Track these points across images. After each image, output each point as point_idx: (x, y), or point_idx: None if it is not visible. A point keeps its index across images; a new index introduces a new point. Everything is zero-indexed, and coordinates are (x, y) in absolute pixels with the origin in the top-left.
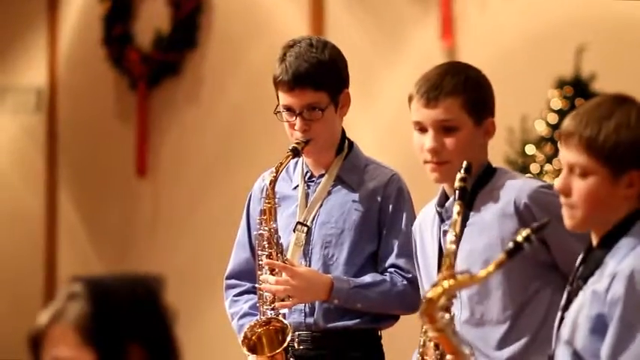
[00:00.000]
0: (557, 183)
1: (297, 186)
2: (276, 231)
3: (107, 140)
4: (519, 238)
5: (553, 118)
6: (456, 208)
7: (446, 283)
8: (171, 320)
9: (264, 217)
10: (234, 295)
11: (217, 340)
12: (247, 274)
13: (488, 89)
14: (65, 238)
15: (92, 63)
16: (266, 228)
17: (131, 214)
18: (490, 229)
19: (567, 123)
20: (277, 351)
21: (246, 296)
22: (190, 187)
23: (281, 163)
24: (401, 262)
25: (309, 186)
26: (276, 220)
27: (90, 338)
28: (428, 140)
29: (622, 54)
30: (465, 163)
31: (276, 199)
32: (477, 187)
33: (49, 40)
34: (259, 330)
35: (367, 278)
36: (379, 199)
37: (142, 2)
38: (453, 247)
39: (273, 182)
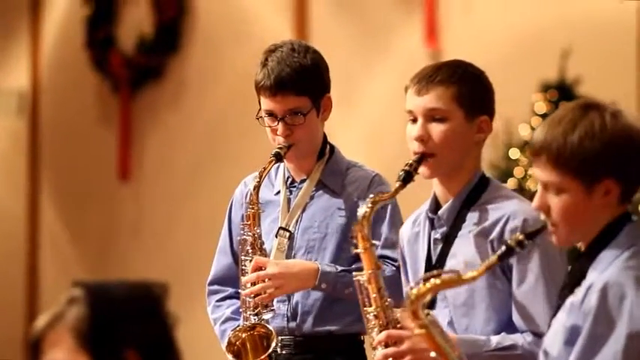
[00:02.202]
0: (535, 202)
1: (279, 191)
2: (260, 236)
3: (89, 144)
4: (511, 242)
5: (537, 122)
6: (397, 184)
7: (433, 281)
8: (171, 328)
9: (248, 223)
10: (217, 301)
11: (200, 345)
12: (229, 279)
13: (486, 87)
14: (47, 242)
15: (75, 66)
16: (250, 233)
17: (113, 218)
18: (471, 246)
19: (534, 138)
20: (262, 357)
21: (228, 301)
22: (173, 192)
23: (264, 169)
24: (388, 252)
25: (290, 191)
26: (259, 226)
27: (85, 342)
28: (415, 128)
29: (606, 58)
30: (420, 154)
31: (260, 205)
32: (472, 198)
33: (31, 43)
34: (244, 335)
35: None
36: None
37: (125, 6)
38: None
39: (257, 188)
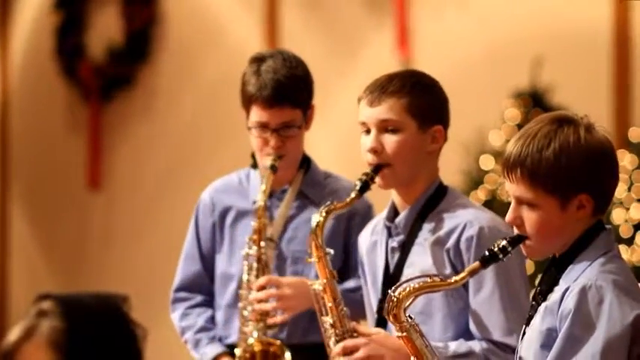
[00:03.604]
0: (508, 216)
1: (256, 202)
2: (264, 251)
3: (60, 153)
4: (495, 248)
5: (509, 130)
6: (352, 194)
7: (414, 284)
8: (138, 338)
9: (254, 237)
10: (186, 308)
11: (171, 354)
12: (198, 287)
13: (440, 97)
14: (17, 252)
15: (44, 75)
16: (255, 247)
17: (84, 227)
18: (428, 255)
19: (508, 152)
20: None
21: (198, 310)
22: (143, 201)
23: (267, 183)
24: None
25: (271, 201)
26: (264, 240)
27: (65, 354)
28: (369, 140)
29: (579, 65)
30: (375, 165)
31: (266, 217)
32: (429, 206)
33: (0, 51)
34: (256, 349)
35: (351, 283)
36: (346, 214)
37: (94, 14)
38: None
39: (265, 202)
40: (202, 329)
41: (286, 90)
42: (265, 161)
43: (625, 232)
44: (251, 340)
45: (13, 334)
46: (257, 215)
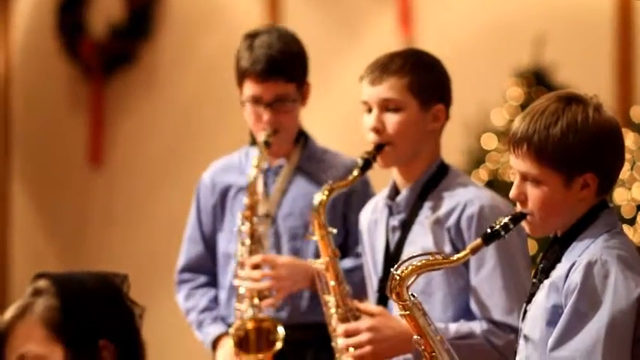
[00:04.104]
0: (512, 192)
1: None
2: (257, 227)
3: (61, 130)
4: (497, 225)
5: (511, 109)
6: (355, 172)
7: (416, 263)
8: (136, 315)
9: (247, 214)
10: (190, 289)
11: (174, 334)
12: (202, 268)
13: (441, 75)
14: (19, 229)
15: (46, 52)
16: (248, 224)
17: (85, 204)
18: (428, 234)
19: (515, 128)
20: (266, 354)
21: (201, 290)
22: (145, 178)
23: (260, 159)
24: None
25: (267, 176)
26: (257, 216)
27: (59, 332)
28: (370, 119)
29: (582, 44)
30: (377, 144)
31: (258, 193)
32: (430, 185)
33: (1, 29)
34: (249, 326)
35: (348, 263)
36: (344, 192)
37: None
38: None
39: (256, 178)
40: (205, 309)
41: (279, 63)
42: (260, 136)
43: (627, 212)
44: (245, 318)
45: (7, 313)
46: (249, 191)
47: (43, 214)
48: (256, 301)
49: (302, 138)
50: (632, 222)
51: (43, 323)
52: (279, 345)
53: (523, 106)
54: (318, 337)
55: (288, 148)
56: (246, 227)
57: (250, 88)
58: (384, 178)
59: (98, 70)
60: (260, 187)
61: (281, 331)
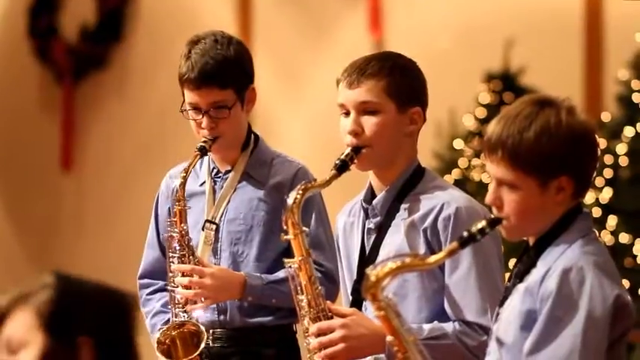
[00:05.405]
0: (488, 197)
1: (204, 182)
2: (187, 233)
3: (32, 134)
4: (473, 229)
5: (481, 113)
6: (332, 172)
7: (392, 264)
8: (134, 334)
9: (175, 219)
10: (147, 294)
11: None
12: (159, 272)
13: (417, 78)
14: None
15: (17, 55)
16: (176, 230)
17: (57, 207)
18: (404, 236)
19: (489, 133)
20: (193, 356)
21: (158, 294)
22: (117, 180)
23: (190, 164)
24: (313, 255)
25: (215, 182)
26: (186, 222)
27: (45, 322)
28: (348, 122)
29: (551, 48)
30: (353, 147)
31: (186, 201)
32: (407, 188)
33: None
34: (173, 333)
35: (280, 274)
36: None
37: None
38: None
39: (183, 184)
40: (157, 313)
41: (213, 71)
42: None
43: (595, 213)
44: (169, 325)
45: (7, 296)
46: (176, 198)
47: (13, 217)
48: (186, 308)
49: (251, 142)
50: (600, 223)
51: (35, 312)
52: (202, 345)
53: (493, 109)
54: (261, 339)
55: (236, 154)
56: (175, 233)
57: (188, 96)
58: (360, 180)
59: (69, 73)
60: (208, 192)
61: (204, 332)
